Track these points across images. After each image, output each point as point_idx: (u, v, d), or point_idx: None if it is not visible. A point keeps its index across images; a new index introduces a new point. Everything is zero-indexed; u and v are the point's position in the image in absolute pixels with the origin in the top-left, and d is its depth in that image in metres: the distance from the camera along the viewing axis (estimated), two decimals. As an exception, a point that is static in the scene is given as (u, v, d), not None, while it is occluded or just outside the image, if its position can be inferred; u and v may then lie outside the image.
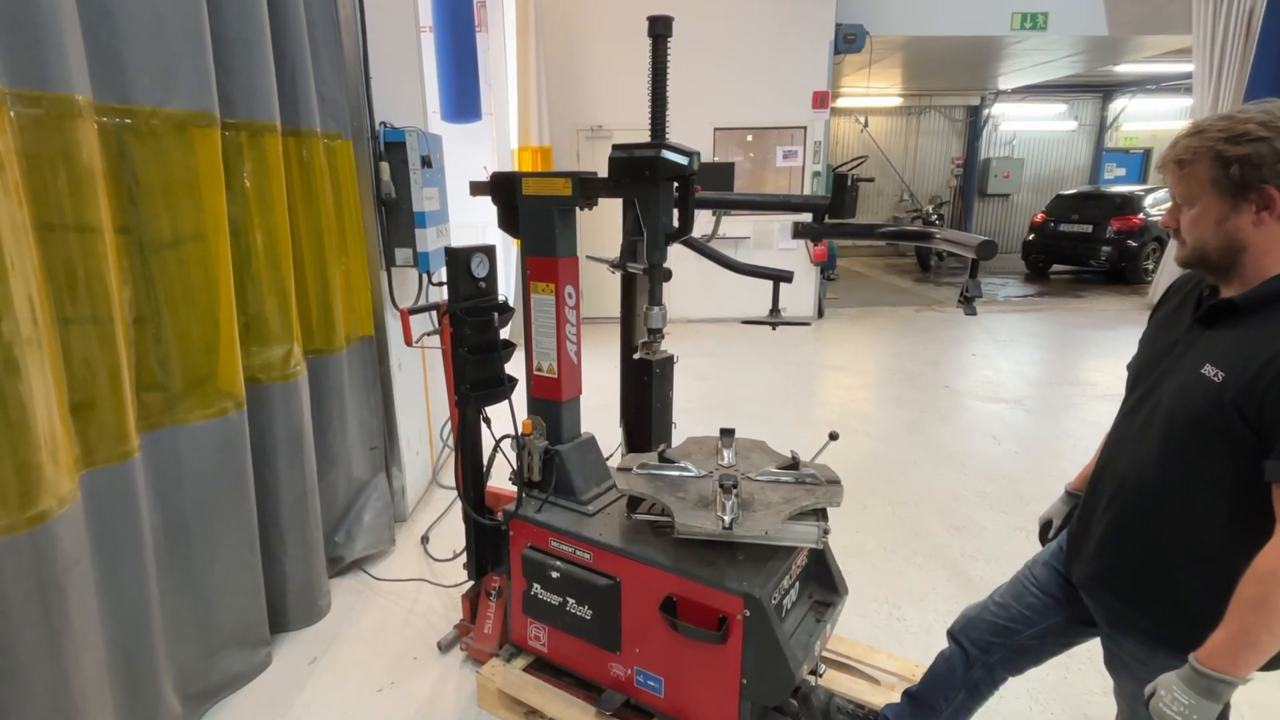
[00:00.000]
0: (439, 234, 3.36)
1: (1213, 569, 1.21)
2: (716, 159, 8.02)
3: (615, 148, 1.94)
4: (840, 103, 13.62)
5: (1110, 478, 1.42)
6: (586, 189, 2.02)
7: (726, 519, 1.74)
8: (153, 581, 1.92)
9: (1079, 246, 10.82)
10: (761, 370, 6.33)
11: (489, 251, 2.08)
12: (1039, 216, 11.56)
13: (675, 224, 1.99)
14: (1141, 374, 1.41)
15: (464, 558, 2.40)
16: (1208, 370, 1.19)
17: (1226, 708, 1.13)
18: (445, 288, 2.09)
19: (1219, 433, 1.17)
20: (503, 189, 2.14)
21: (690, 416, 5.00)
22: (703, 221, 2.09)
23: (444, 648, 2.53)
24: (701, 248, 2.51)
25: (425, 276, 3.43)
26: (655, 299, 2.08)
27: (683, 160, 1.86)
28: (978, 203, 15.21)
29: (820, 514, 1.88)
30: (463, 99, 5.94)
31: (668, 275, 2.43)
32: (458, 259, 2.00)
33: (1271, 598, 1.07)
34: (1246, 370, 1.14)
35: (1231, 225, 1.19)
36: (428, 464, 3.84)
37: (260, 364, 2.37)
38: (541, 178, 2.07)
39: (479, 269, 2.03)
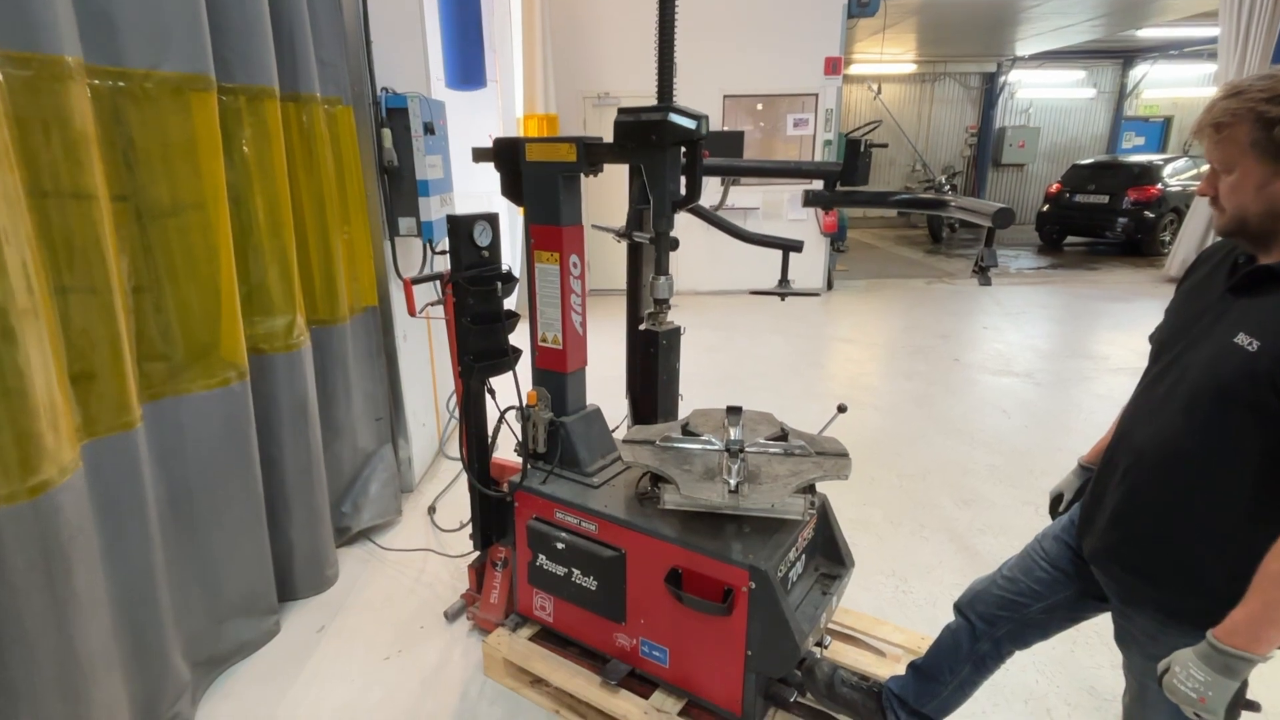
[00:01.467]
0: (443, 203, 3.31)
1: (1233, 545, 1.18)
2: (726, 128, 7.88)
3: (621, 111, 1.88)
4: (853, 69, 13.33)
5: (1127, 449, 1.38)
6: (591, 154, 1.96)
7: (733, 482, 1.72)
8: (158, 550, 1.93)
9: (1094, 218, 10.62)
10: (769, 342, 6.28)
11: (492, 219, 2.04)
12: (1054, 187, 11.34)
13: (682, 191, 1.94)
14: (1166, 344, 1.36)
15: (470, 528, 2.40)
16: (1241, 339, 1.14)
17: (1244, 685, 1.11)
18: (448, 256, 2.05)
19: (1249, 405, 1.13)
20: (506, 155, 2.09)
21: (697, 389, 4.98)
22: (712, 191, 2.04)
23: (450, 617, 2.55)
24: (710, 216, 2.46)
25: (429, 246, 3.39)
26: (662, 269, 2.04)
27: (690, 124, 1.80)
28: (991, 172, 14.94)
29: (809, 488, 1.86)
30: (467, 65, 5.83)
31: (675, 245, 2.38)
32: (459, 227, 1.96)
33: None
34: None
35: (1273, 190, 1.14)
36: (434, 435, 3.84)
37: (263, 334, 2.35)
38: (545, 143, 2.02)
39: (481, 237, 2.00)
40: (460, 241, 1.96)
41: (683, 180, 1.94)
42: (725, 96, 7.83)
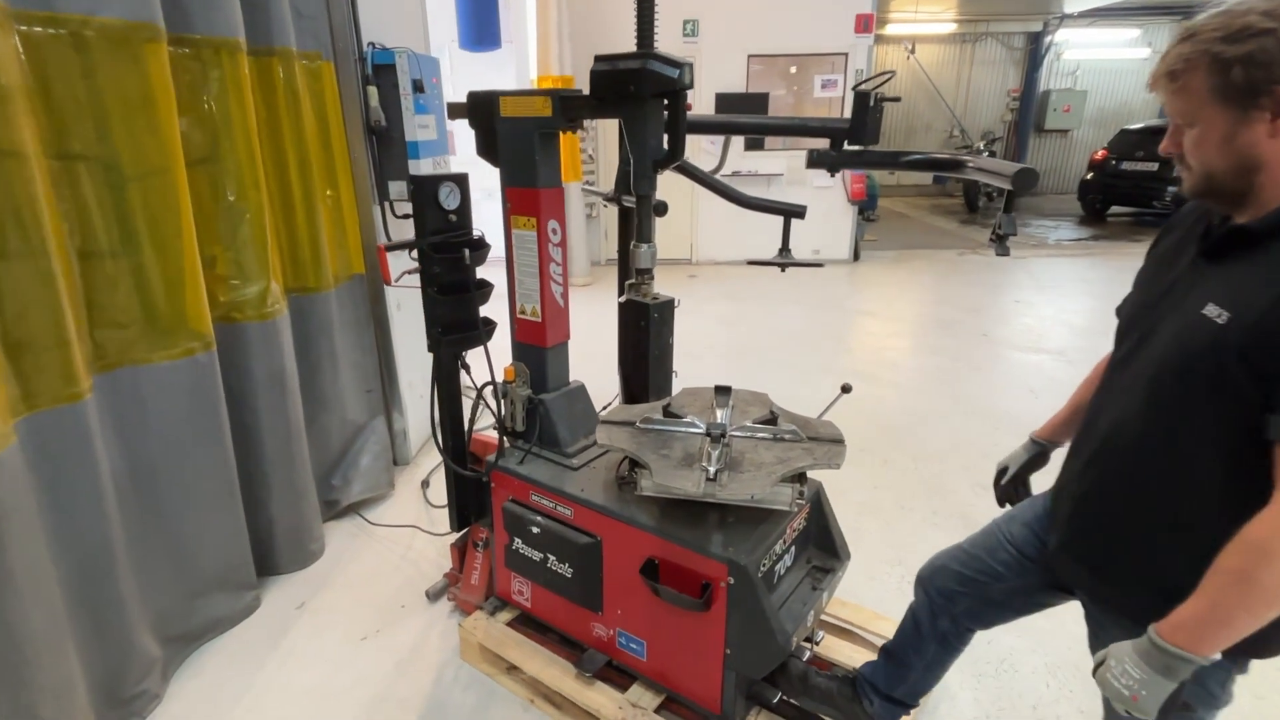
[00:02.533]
0: (436, 166, 3.16)
1: (1202, 541, 1.04)
2: (750, 90, 7.56)
3: (598, 59, 1.71)
4: (887, 29, 12.74)
5: (1091, 435, 1.26)
6: (568, 108, 1.80)
7: (711, 470, 1.57)
8: (116, 526, 1.85)
9: (1142, 186, 10.04)
10: (789, 315, 6.06)
11: (460, 180, 1.89)
12: (1099, 154, 10.75)
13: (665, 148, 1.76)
14: (1134, 319, 1.23)
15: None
16: (1210, 310, 1.01)
17: (1181, 686, 0.98)
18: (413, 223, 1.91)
19: (1216, 383, 1.00)
20: (480, 111, 1.93)
21: (708, 363, 4.81)
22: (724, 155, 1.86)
23: (432, 597, 2.47)
24: (704, 178, 2.28)
25: (388, 208, 3.21)
26: (644, 235, 1.87)
27: (671, 72, 1.62)
28: (1033, 139, 14.23)
29: (799, 476, 1.71)
30: (481, 26, 5.63)
31: (662, 209, 2.21)
32: (423, 188, 1.81)
33: (1256, 572, 0.93)
34: (1254, 308, 0.95)
35: (1242, 141, 0.99)
36: (433, 407, 3.75)
37: (234, 302, 2.25)
38: (520, 96, 1.86)
39: (449, 200, 1.85)
40: (425, 204, 1.82)
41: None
42: (750, 56, 7.49)
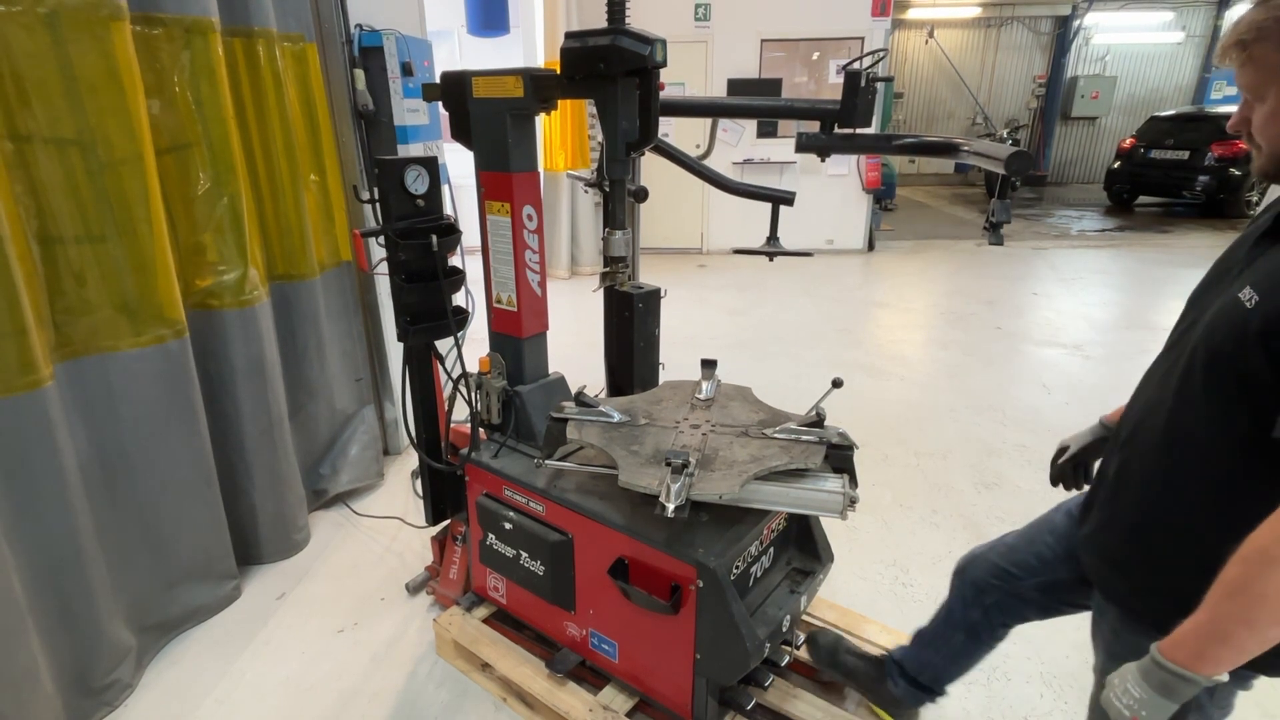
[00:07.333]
0: (427, 152, 3.10)
1: (1204, 540, 0.98)
2: (764, 76, 7.40)
3: (568, 35, 1.63)
4: (909, 13, 12.43)
5: (1125, 423, 1.20)
6: (539, 88, 1.72)
7: (670, 508, 1.42)
8: (83, 515, 1.83)
9: (1172, 175, 9.73)
10: (797, 306, 5.94)
11: (429, 164, 1.82)
12: (1127, 141, 10.43)
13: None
14: (1192, 302, 1.16)
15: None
16: (1245, 294, 0.93)
17: (1186, 708, 0.90)
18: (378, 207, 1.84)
19: (1238, 372, 0.93)
20: (453, 92, 1.86)
21: (712, 355, 4.71)
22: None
23: (412, 590, 2.43)
24: (689, 163, 2.19)
25: (354, 193, 3.13)
26: (616, 221, 1.80)
27: (642, 49, 1.54)
28: (1059, 126, 13.82)
29: (848, 476, 1.61)
30: (489, 10, 5.56)
31: (643, 195, 2.14)
32: (389, 172, 1.75)
33: (1255, 582, 0.84)
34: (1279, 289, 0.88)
35: None
36: (428, 396, 3.71)
37: (211, 290, 2.21)
38: (492, 76, 1.78)
39: (416, 185, 1.78)
40: (390, 189, 1.75)
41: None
42: (763, 40, 7.33)
